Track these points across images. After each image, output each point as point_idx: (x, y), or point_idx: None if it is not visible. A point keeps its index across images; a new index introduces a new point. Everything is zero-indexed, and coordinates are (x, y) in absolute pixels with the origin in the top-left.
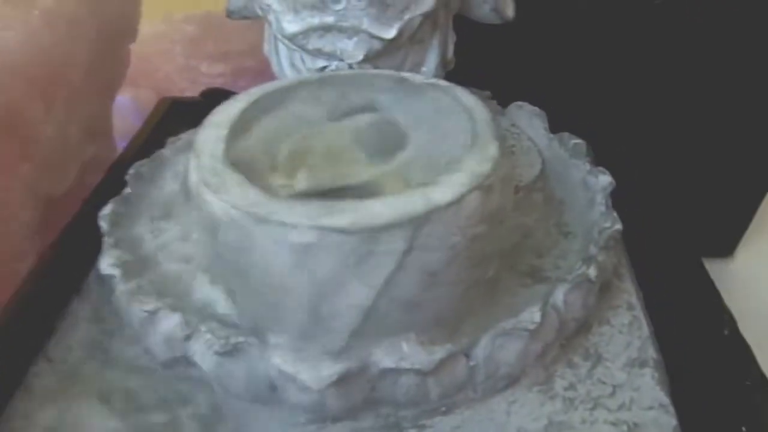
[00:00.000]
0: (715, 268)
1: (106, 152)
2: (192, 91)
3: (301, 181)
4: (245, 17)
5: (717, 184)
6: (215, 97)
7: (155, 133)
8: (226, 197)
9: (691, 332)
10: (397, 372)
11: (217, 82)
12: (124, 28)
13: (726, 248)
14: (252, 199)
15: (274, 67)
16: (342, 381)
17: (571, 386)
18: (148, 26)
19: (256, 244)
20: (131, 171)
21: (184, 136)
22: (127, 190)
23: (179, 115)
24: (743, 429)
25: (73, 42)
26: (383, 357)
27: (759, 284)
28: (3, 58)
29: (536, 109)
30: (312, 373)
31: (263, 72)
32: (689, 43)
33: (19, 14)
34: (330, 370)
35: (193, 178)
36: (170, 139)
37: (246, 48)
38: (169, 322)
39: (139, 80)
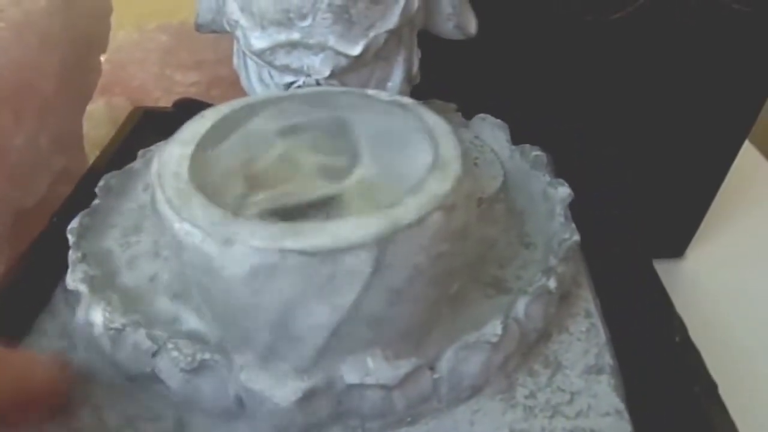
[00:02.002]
0: (666, 268)
1: (77, 163)
2: (166, 100)
3: (266, 199)
4: (214, 31)
5: (668, 185)
6: (187, 107)
7: (127, 143)
8: (190, 217)
9: (644, 339)
10: (362, 387)
11: (191, 91)
12: (95, 40)
13: (677, 249)
14: (215, 220)
15: (243, 82)
16: (308, 397)
17: (532, 394)
18: (123, 35)
19: (220, 265)
20: (101, 183)
21: (155, 148)
22: (96, 202)
23: (151, 125)
24: None
25: (43, 53)
26: (349, 373)
27: (709, 284)
28: None
29: (499, 121)
30: (278, 390)
31: (237, 81)
32: (638, 54)
33: None
34: (296, 386)
35: (157, 197)
36: (141, 151)
37: (219, 57)
38: (136, 339)
39: (113, 88)
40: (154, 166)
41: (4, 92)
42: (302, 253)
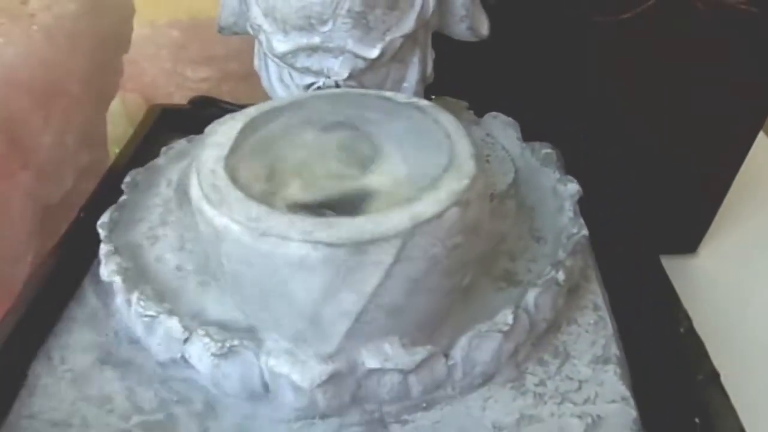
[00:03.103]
0: (678, 264)
1: (100, 159)
2: (178, 95)
3: (295, 195)
4: (235, 33)
5: (680, 181)
6: (203, 104)
7: (146, 140)
8: (228, 212)
9: (650, 330)
10: (381, 372)
11: (203, 87)
12: (118, 41)
13: (689, 245)
14: (251, 214)
15: (264, 82)
16: (331, 381)
17: (541, 382)
18: (135, 30)
19: (256, 256)
20: (127, 179)
21: (177, 145)
22: (124, 198)
23: (169, 122)
24: (696, 420)
25: (71, 55)
26: (369, 358)
27: (721, 280)
28: (5, 72)
29: (510, 119)
30: (303, 373)
31: (247, 76)
32: (648, 52)
33: (20, 30)
34: (320, 370)
35: (196, 194)
36: (163, 149)
37: (230, 53)
38: (168, 326)
39: (126, 84)
40: (193, 165)
41: (35, 92)
42: (331, 245)
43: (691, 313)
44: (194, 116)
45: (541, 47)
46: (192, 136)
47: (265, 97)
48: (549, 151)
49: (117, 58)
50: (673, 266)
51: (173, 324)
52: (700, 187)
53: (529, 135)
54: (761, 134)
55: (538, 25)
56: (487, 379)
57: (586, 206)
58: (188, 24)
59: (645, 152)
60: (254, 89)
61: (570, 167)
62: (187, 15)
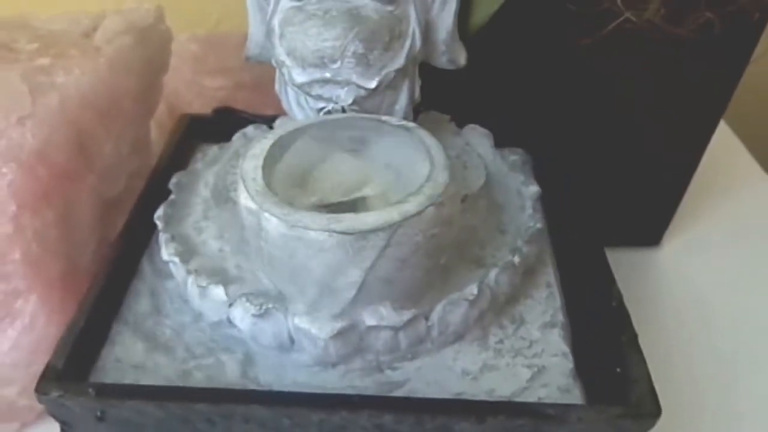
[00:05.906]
0: (642, 257)
1: (146, 162)
2: (198, 103)
3: (314, 197)
4: (260, 62)
5: (642, 176)
6: (225, 113)
7: (180, 145)
8: (268, 209)
9: (589, 302)
10: (378, 328)
11: (219, 95)
12: (160, 64)
13: (653, 238)
14: (284, 211)
15: (284, 105)
16: (340, 334)
17: (501, 341)
18: None
19: (288, 241)
20: (173, 180)
21: (210, 152)
22: (172, 197)
23: (196, 130)
24: (618, 369)
25: (126, 78)
26: (369, 317)
27: (685, 272)
28: (80, 95)
29: (485, 130)
30: (321, 328)
31: (259, 85)
32: (611, 60)
33: (90, 62)
34: (332, 326)
35: (243, 195)
36: (199, 154)
37: (242, 65)
38: (217, 294)
39: None
40: (239, 173)
41: (99, 110)
42: (342, 233)
43: (655, 305)
44: (218, 124)
45: (510, 70)
46: (222, 144)
47: (275, 103)
48: (516, 157)
49: (159, 78)
50: (637, 259)
51: (221, 292)
52: (661, 181)
53: (501, 139)
54: (720, 127)
55: (507, 53)
56: (458, 337)
57: (550, 203)
58: (205, 39)
59: (607, 148)
60: (265, 97)
61: (537, 167)
62: (204, 31)
